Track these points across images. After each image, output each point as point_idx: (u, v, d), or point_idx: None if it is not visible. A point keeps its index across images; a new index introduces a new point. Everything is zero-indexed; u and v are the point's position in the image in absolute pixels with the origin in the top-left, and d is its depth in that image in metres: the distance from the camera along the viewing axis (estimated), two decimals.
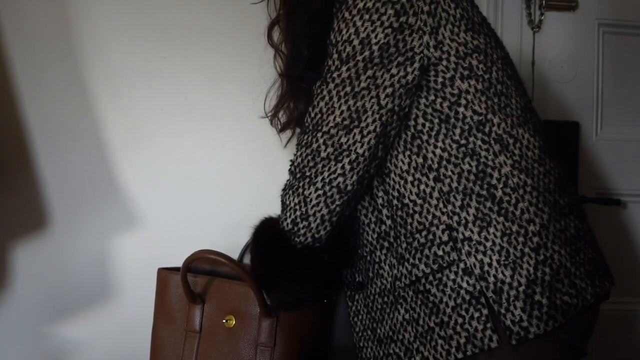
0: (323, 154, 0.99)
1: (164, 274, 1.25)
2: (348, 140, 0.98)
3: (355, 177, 0.99)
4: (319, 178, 0.99)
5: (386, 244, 1.06)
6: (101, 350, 1.46)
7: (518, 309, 0.94)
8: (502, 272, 0.95)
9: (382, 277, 1.07)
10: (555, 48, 1.72)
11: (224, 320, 1.15)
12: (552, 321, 0.94)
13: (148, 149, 1.49)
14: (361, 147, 0.98)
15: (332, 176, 0.99)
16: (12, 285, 1.44)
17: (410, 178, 1.01)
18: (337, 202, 1.00)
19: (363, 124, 0.98)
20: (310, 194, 1.00)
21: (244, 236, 1.47)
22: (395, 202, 1.03)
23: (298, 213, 1.01)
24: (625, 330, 1.74)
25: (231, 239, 1.47)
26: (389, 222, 1.05)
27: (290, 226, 1.03)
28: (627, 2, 1.73)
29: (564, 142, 1.70)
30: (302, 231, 1.02)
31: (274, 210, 1.48)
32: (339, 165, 0.98)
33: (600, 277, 1.02)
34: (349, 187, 1.00)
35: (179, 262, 1.38)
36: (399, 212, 1.03)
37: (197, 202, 1.50)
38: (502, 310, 0.95)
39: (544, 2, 1.70)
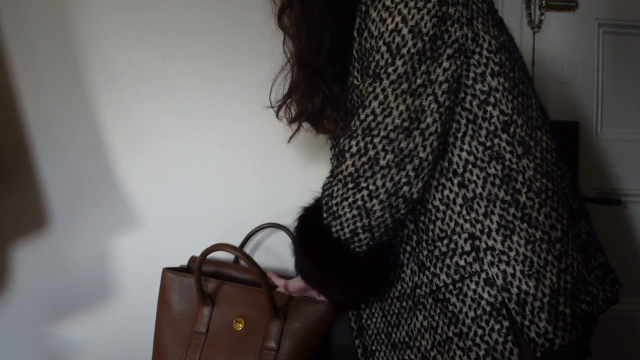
0: (382, 162, 0.91)
1: (169, 274, 1.25)
2: (409, 144, 0.90)
3: (420, 184, 0.92)
4: (382, 190, 0.92)
5: (409, 248, 1.03)
6: (101, 350, 1.46)
7: (543, 320, 0.91)
8: (526, 283, 0.91)
9: (402, 281, 1.04)
10: (555, 48, 1.71)
11: (234, 321, 1.15)
12: (576, 331, 0.93)
13: (148, 149, 1.49)
14: (424, 150, 0.91)
15: (397, 186, 0.91)
16: (12, 285, 1.44)
17: (434, 183, 0.97)
18: (402, 212, 0.94)
19: (423, 125, 0.90)
20: (373, 206, 0.93)
21: (244, 236, 1.48)
22: (418, 206, 0.99)
23: (359, 224, 0.95)
24: (626, 329, 1.74)
25: (231, 239, 1.47)
26: (411, 226, 1.02)
27: (348, 235, 0.96)
28: (627, 2, 1.73)
29: (564, 142, 1.70)
30: (364, 242, 0.96)
31: (274, 210, 1.48)
32: (403, 173, 0.91)
33: (611, 281, 1.02)
34: (415, 195, 0.93)
35: (179, 262, 1.39)
36: (422, 217, 0.99)
37: (197, 202, 1.50)
38: (526, 322, 0.92)
39: (544, 2, 1.69)
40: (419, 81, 0.90)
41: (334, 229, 0.97)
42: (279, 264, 1.48)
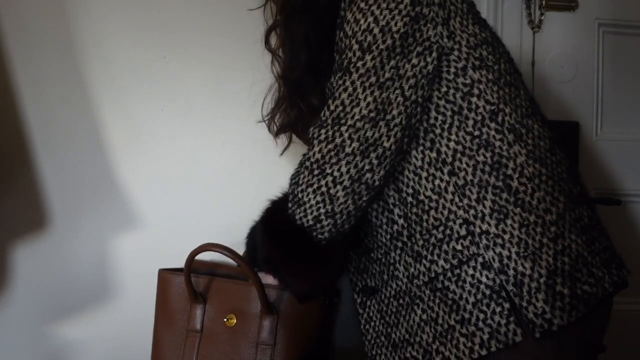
0: (348, 149, 0.95)
1: (165, 274, 1.26)
2: (374, 133, 0.96)
3: (382, 172, 0.97)
4: (346, 176, 0.96)
5: (399, 244, 1.05)
6: (101, 350, 1.46)
7: (540, 300, 0.93)
8: (522, 265, 0.93)
9: (397, 279, 1.06)
10: (555, 48, 1.71)
11: (225, 319, 1.15)
12: (575, 311, 0.93)
13: (148, 149, 1.49)
14: (387, 140, 0.96)
15: (361, 173, 0.96)
16: (12, 285, 1.44)
17: (424, 174, 1.00)
18: (365, 198, 0.98)
19: (389, 117, 0.96)
20: (337, 192, 0.96)
21: (244, 236, 1.48)
22: (409, 199, 1.02)
23: (322, 211, 0.98)
24: (625, 330, 1.74)
25: (231, 239, 1.46)
26: (401, 221, 1.04)
27: (311, 222, 1.00)
28: (627, 2, 1.73)
29: (564, 142, 1.70)
30: (326, 228, 0.99)
31: None
32: (367, 160, 0.96)
33: (617, 265, 1.02)
34: (377, 183, 0.98)
35: (179, 263, 1.38)
36: (414, 210, 1.01)
37: (197, 203, 1.50)
38: (524, 303, 0.93)
39: (544, 2, 1.69)
40: (387, 75, 0.96)
41: (297, 217, 1.00)
42: None
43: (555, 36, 1.71)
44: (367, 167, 0.96)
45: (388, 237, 1.07)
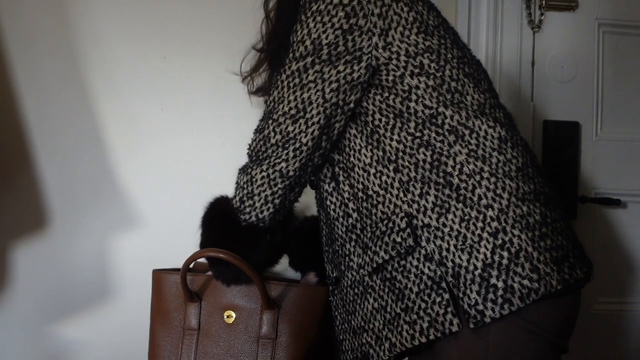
0: (272, 141, 1.07)
1: (159, 275, 1.26)
2: (294, 129, 1.06)
3: (297, 164, 1.07)
4: (266, 162, 1.07)
5: (354, 236, 1.10)
6: (101, 350, 1.46)
7: (474, 292, 0.96)
8: (459, 257, 0.98)
9: (352, 269, 1.11)
10: (555, 48, 1.72)
11: (226, 316, 1.16)
12: (508, 304, 0.95)
13: (148, 149, 1.49)
14: (305, 136, 1.06)
15: (277, 161, 1.07)
16: (12, 285, 1.44)
17: (372, 170, 1.06)
18: (279, 185, 1.08)
19: (308, 115, 1.06)
20: (256, 174, 1.08)
21: None
22: (360, 194, 1.08)
23: (245, 192, 1.09)
24: (627, 329, 1.74)
25: None
26: (355, 214, 1.09)
27: (238, 204, 1.10)
28: (627, 2, 1.74)
29: (564, 142, 1.70)
30: (247, 209, 1.09)
31: None
32: (284, 152, 1.06)
33: (571, 265, 1.01)
34: (291, 173, 1.07)
35: (178, 263, 1.38)
36: (364, 204, 1.07)
37: (197, 202, 1.50)
38: (460, 294, 0.97)
39: (544, 2, 1.70)
40: (310, 77, 1.05)
41: (233, 199, 1.12)
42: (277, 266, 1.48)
43: (555, 36, 1.72)
44: (284, 157, 1.06)
45: (344, 229, 1.12)
